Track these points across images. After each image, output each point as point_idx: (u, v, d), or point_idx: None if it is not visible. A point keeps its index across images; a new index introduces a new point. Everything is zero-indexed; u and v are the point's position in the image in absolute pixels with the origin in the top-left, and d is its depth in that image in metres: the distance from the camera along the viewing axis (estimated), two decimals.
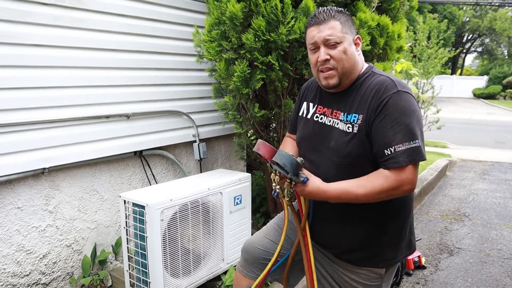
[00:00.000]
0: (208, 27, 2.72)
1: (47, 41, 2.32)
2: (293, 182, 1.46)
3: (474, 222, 4.54)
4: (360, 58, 1.58)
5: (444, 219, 4.65)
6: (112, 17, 2.62)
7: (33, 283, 2.43)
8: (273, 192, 1.58)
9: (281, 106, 2.76)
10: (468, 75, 38.68)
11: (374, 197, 1.42)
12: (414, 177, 1.41)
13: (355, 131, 1.48)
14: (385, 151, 1.40)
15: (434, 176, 5.91)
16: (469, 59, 52.21)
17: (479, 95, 28.35)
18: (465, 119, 16.38)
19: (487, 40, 37.14)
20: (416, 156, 1.39)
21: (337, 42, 1.49)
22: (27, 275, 2.40)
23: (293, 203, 1.65)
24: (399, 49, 3.02)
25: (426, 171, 6.13)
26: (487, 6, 31.83)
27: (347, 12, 1.58)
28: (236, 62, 2.59)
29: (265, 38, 2.45)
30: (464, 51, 38.66)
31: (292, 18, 2.43)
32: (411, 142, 1.38)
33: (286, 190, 1.53)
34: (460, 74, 37.84)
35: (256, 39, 2.48)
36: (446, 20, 8.06)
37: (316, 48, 1.53)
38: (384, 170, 1.41)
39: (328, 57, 1.50)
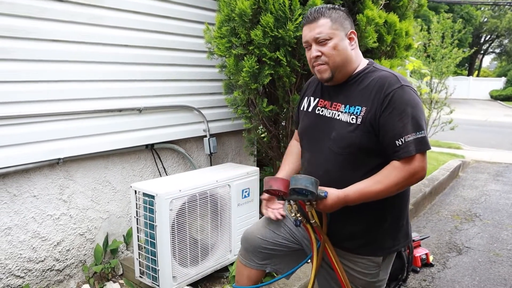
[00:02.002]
0: (218, 24, 2.79)
1: (64, 36, 2.41)
2: (313, 202, 1.51)
3: (485, 223, 4.52)
4: (355, 52, 1.64)
5: (455, 219, 4.64)
6: (127, 14, 2.71)
7: (48, 269, 2.53)
8: (295, 223, 1.62)
9: (289, 101, 2.81)
10: (486, 76, 38.03)
11: (392, 189, 1.49)
12: (425, 164, 1.50)
13: (359, 122, 1.54)
14: (396, 142, 1.48)
15: (445, 176, 5.88)
16: (487, 61, 51.31)
17: (496, 96, 27.90)
18: (481, 120, 16.15)
19: (506, 41, 36.39)
20: (423, 146, 1.48)
21: (326, 39, 1.57)
22: (42, 261, 2.50)
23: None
24: (408, 47, 3.04)
25: (438, 171, 6.10)
26: (506, 6, 31.25)
27: (342, 9, 1.65)
28: (245, 58, 2.66)
29: (273, 34, 2.50)
30: (482, 52, 38.02)
31: (299, 15, 2.48)
32: (418, 133, 1.47)
33: (309, 213, 1.57)
34: (477, 76, 37.21)
35: (265, 36, 2.54)
36: (460, 20, 7.97)
37: (309, 46, 1.62)
38: (396, 162, 1.49)
39: (319, 53, 1.58)
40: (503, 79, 29.83)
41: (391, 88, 1.51)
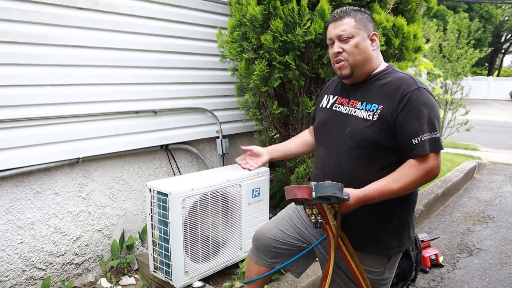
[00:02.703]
0: (230, 28, 2.89)
1: (84, 42, 2.55)
2: (335, 205, 1.56)
3: (498, 224, 4.50)
4: (376, 53, 1.72)
5: (467, 221, 4.63)
6: (142, 20, 2.84)
7: (67, 263, 2.67)
8: (314, 226, 1.66)
9: (298, 104, 2.90)
10: (507, 76, 37.22)
11: (410, 187, 1.56)
12: (439, 162, 1.57)
13: (375, 119, 1.61)
14: (413, 140, 1.55)
15: (459, 178, 5.85)
16: (508, 60, 50.13)
17: None
18: (500, 121, 15.84)
19: None
20: (437, 146, 1.55)
21: (349, 37, 1.65)
22: (62, 255, 2.64)
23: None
24: (417, 49, 3.08)
25: (452, 173, 6.07)
26: None
27: (368, 12, 1.73)
28: (256, 62, 2.75)
29: (282, 39, 2.59)
30: (503, 51, 37.20)
31: (308, 20, 2.56)
32: (432, 133, 1.55)
33: (330, 215, 1.61)
34: (498, 75, 36.45)
35: (274, 40, 2.63)
36: (476, 20, 7.89)
37: (332, 43, 1.71)
38: (412, 161, 1.56)
39: (340, 50, 1.67)
40: None
41: (408, 89, 1.59)
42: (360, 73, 1.70)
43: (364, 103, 1.67)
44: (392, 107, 1.59)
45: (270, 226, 2.04)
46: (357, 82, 1.74)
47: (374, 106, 1.63)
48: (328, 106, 1.83)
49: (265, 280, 2.14)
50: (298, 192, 1.53)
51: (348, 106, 1.73)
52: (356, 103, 1.70)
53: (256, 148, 1.96)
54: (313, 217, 1.64)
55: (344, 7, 1.72)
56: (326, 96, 1.90)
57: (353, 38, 1.65)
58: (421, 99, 1.57)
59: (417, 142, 1.54)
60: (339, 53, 1.67)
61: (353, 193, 1.55)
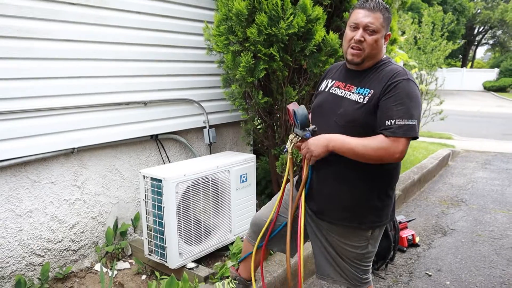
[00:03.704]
0: (216, 22, 3.02)
1: (74, 36, 2.64)
2: (299, 137, 1.83)
3: (470, 207, 4.77)
4: (384, 50, 1.87)
5: (442, 204, 4.90)
6: (131, 15, 2.94)
7: (64, 249, 2.77)
8: (284, 150, 1.91)
9: (282, 93, 3.06)
10: (480, 67, 38.26)
11: (369, 155, 1.70)
12: (405, 149, 1.68)
13: (365, 102, 1.77)
14: (387, 121, 1.69)
15: (434, 164, 6.13)
16: (481, 52, 51.52)
17: (489, 88, 28.15)
18: (473, 111, 16.40)
19: (499, 32, 36.63)
20: (410, 132, 1.67)
21: (374, 31, 1.76)
22: (59, 241, 2.74)
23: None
24: (393, 42, 3.28)
25: (427, 160, 6.35)
26: None
27: (391, 11, 1.87)
28: (242, 54, 2.89)
29: (267, 32, 2.74)
30: (475, 43, 38.21)
31: (291, 14, 2.72)
32: (409, 120, 1.68)
33: (292, 144, 1.89)
34: (471, 67, 37.44)
35: (259, 33, 2.77)
36: (450, 13, 8.19)
37: (356, 28, 1.79)
38: (383, 137, 1.70)
39: (362, 39, 1.77)
40: (496, 70, 30.06)
41: (397, 78, 1.73)
42: (368, 64, 1.84)
43: (359, 88, 1.82)
44: (380, 91, 1.74)
45: (267, 211, 2.20)
46: (359, 70, 1.88)
47: (366, 91, 1.79)
48: (326, 90, 1.98)
49: (262, 260, 2.29)
50: (290, 107, 1.88)
51: (344, 90, 1.88)
52: (352, 87, 1.85)
53: None
54: (288, 143, 1.92)
55: (378, 1, 1.78)
56: (325, 81, 2.04)
57: (377, 33, 1.76)
58: (406, 90, 1.71)
59: (389, 124, 1.68)
60: (360, 41, 1.76)
61: (319, 135, 1.79)
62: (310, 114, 2.00)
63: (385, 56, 1.90)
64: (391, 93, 1.71)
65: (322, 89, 2.02)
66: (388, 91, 1.72)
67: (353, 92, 1.83)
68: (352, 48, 1.80)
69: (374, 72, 1.82)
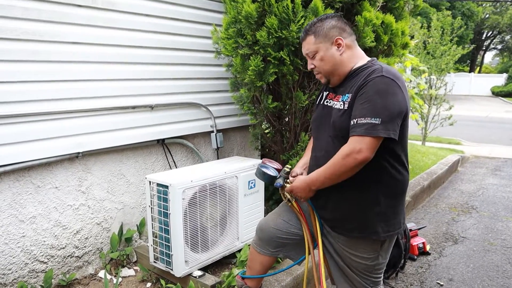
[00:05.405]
0: (225, 25, 2.96)
1: (82, 39, 2.59)
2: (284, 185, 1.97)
3: (481, 214, 4.68)
4: (347, 54, 1.80)
5: (452, 211, 4.80)
6: (139, 17, 2.89)
7: (68, 255, 2.72)
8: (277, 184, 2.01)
9: (292, 98, 2.99)
10: (488, 73, 38.01)
11: (339, 167, 1.65)
12: (365, 149, 1.59)
13: (346, 108, 1.72)
14: (352, 120, 1.65)
15: (443, 170, 6.04)
16: (489, 57, 51.19)
17: (497, 93, 27.95)
18: (481, 117, 16.27)
19: (508, 37, 36.41)
20: (371, 131, 1.57)
21: (314, 53, 1.82)
22: (63, 248, 2.68)
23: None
24: (404, 46, 3.21)
25: (436, 166, 6.26)
26: (508, 3, 31.23)
27: (330, 16, 1.82)
28: (251, 58, 2.83)
29: (277, 35, 2.68)
30: (484, 48, 37.98)
31: (302, 17, 2.66)
32: (373, 119, 1.59)
33: (287, 195, 2.00)
34: (479, 72, 37.20)
35: (269, 36, 2.71)
36: (459, 18, 8.11)
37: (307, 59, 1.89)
38: (346, 143, 1.66)
39: (312, 66, 1.87)
40: (505, 75, 29.86)
41: (371, 76, 1.67)
42: (336, 77, 1.84)
43: (342, 96, 1.78)
44: (354, 93, 1.69)
45: (274, 217, 2.14)
46: (342, 81, 1.85)
47: (346, 96, 1.75)
48: (321, 102, 1.96)
49: (267, 268, 2.23)
50: (270, 163, 2.12)
51: (333, 100, 1.85)
52: (338, 96, 1.82)
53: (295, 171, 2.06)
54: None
55: (307, 25, 1.85)
56: (322, 93, 2.01)
57: (317, 53, 1.81)
58: (378, 87, 1.62)
59: (353, 123, 1.63)
60: (312, 68, 1.87)
61: (299, 178, 1.88)
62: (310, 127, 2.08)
63: (368, 59, 1.84)
64: (361, 92, 1.66)
65: (318, 102, 2.01)
66: (359, 91, 1.67)
67: (338, 101, 1.80)
68: (315, 75, 1.91)
69: (355, 77, 1.77)
